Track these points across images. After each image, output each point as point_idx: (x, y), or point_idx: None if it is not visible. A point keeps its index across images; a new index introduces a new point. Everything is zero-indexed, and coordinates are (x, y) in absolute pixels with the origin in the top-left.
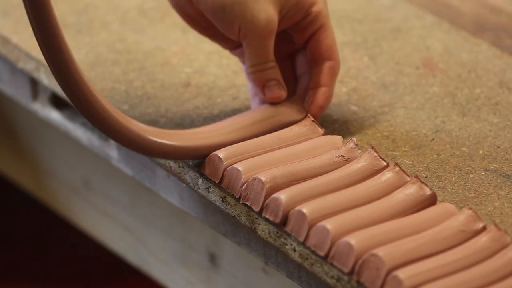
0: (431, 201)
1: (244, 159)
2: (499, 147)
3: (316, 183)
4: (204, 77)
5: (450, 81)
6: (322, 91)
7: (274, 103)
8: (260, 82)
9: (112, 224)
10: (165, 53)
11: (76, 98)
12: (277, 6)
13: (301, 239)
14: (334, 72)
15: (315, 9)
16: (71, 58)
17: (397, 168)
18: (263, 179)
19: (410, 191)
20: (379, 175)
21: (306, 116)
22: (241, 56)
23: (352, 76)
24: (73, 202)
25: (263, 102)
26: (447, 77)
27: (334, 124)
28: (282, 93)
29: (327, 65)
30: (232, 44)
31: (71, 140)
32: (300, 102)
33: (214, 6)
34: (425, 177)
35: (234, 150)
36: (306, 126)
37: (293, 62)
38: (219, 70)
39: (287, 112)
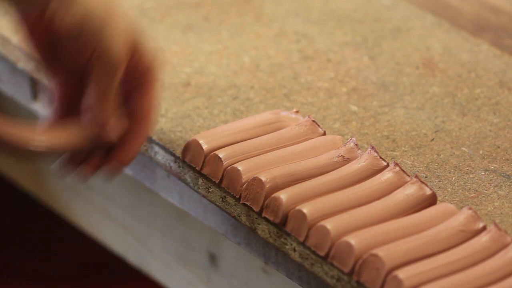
0: (431, 201)
1: (244, 159)
2: (499, 147)
3: (316, 183)
4: (204, 77)
5: (450, 81)
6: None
7: None
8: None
9: (112, 224)
10: (165, 53)
11: None
12: None
13: (301, 239)
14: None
15: None
16: None
17: (397, 168)
18: (263, 179)
19: (410, 191)
20: (379, 175)
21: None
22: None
23: (352, 76)
24: (73, 202)
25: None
26: (447, 77)
27: (334, 124)
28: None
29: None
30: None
31: None
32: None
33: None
34: (425, 177)
35: (234, 150)
36: (306, 126)
37: None
38: (219, 70)
39: (288, 118)
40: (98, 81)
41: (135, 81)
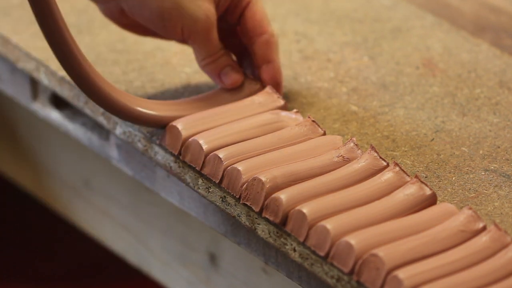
0: (431, 201)
1: (244, 159)
2: (499, 147)
3: (316, 183)
4: (204, 77)
5: (450, 81)
6: (266, 69)
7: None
8: (215, 72)
9: (112, 224)
10: (165, 53)
11: (67, 66)
12: None
13: (301, 239)
14: (270, 45)
15: None
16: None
17: (397, 168)
18: (263, 179)
19: (410, 191)
20: (379, 175)
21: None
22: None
23: (352, 76)
24: (73, 202)
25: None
26: (447, 77)
27: (334, 124)
28: (239, 76)
29: (260, 40)
30: (177, 41)
31: (71, 140)
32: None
33: (152, 16)
34: (425, 177)
35: (234, 150)
36: (306, 126)
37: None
38: None
39: (288, 118)
40: (195, 46)
41: (236, 10)
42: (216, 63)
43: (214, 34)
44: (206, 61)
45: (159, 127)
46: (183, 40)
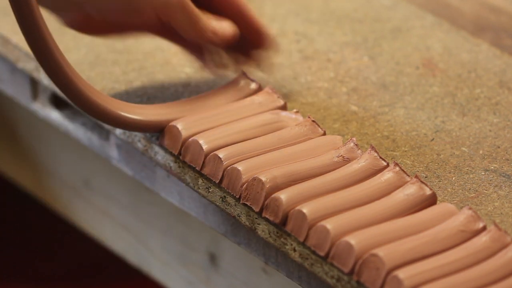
0: (431, 201)
1: (244, 159)
2: (499, 147)
3: (316, 183)
4: (204, 77)
5: (450, 81)
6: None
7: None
8: (209, 35)
9: (112, 224)
10: (165, 53)
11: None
12: None
13: (301, 239)
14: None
15: None
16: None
17: (397, 168)
18: (263, 179)
19: (410, 191)
20: (379, 175)
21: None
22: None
23: (352, 76)
24: (73, 202)
25: None
26: (447, 77)
27: (334, 124)
28: (231, 26)
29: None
30: (157, 31)
31: (71, 140)
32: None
33: (121, 5)
34: (425, 177)
35: (234, 150)
36: (306, 126)
37: None
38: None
39: (288, 118)
40: (181, 23)
41: None
42: (205, 27)
43: (189, 2)
44: (195, 31)
45: (154, 131)
46: (162, 22)
